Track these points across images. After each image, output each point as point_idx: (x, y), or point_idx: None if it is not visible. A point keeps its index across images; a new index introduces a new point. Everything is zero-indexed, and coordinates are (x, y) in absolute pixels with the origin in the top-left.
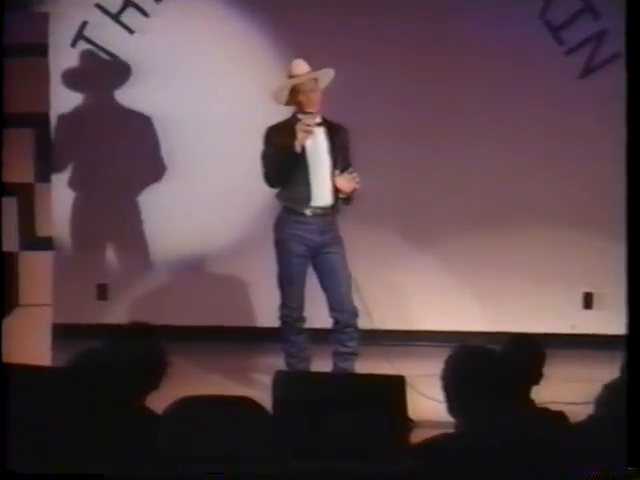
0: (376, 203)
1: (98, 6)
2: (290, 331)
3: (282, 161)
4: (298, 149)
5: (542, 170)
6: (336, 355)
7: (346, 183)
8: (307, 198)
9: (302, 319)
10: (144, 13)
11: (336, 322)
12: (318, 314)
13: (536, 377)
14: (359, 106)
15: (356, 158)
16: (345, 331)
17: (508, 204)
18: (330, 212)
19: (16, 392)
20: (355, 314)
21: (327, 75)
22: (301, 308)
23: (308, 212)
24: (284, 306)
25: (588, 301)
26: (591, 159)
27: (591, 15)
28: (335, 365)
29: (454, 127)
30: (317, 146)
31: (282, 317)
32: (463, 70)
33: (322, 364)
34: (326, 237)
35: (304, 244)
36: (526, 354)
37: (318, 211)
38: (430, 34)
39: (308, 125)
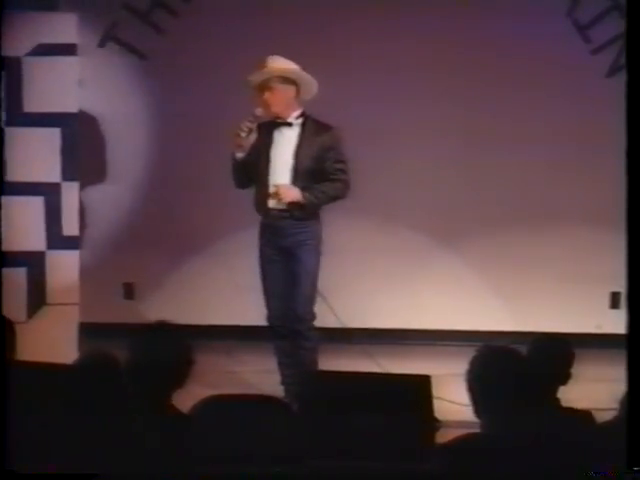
0: (400, 203)
1: (126, 7)
2: (274, 334)
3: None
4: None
5: (569, 169)
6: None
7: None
8: (263, 201)
9: (283, 324)
10: (172, 13)
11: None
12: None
13: (563, 377)
14: (375, 107)
15: (379, 159)
16: (304, 322)
17: (534, 203)
18: (298, 214)
19: (22, 390)
20: (312, 317)
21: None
22: (280, 314)
23: (268, 215)
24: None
25: (615, 301)
26: (619, 158)
27: (618, 13)
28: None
29: (479, 126)
30: (282, 145)
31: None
32: (488, 69)
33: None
34: (295, 240)
35: (274, 247)
36: (552, 354)
37: (281, 214)
38: (454, 31)
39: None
